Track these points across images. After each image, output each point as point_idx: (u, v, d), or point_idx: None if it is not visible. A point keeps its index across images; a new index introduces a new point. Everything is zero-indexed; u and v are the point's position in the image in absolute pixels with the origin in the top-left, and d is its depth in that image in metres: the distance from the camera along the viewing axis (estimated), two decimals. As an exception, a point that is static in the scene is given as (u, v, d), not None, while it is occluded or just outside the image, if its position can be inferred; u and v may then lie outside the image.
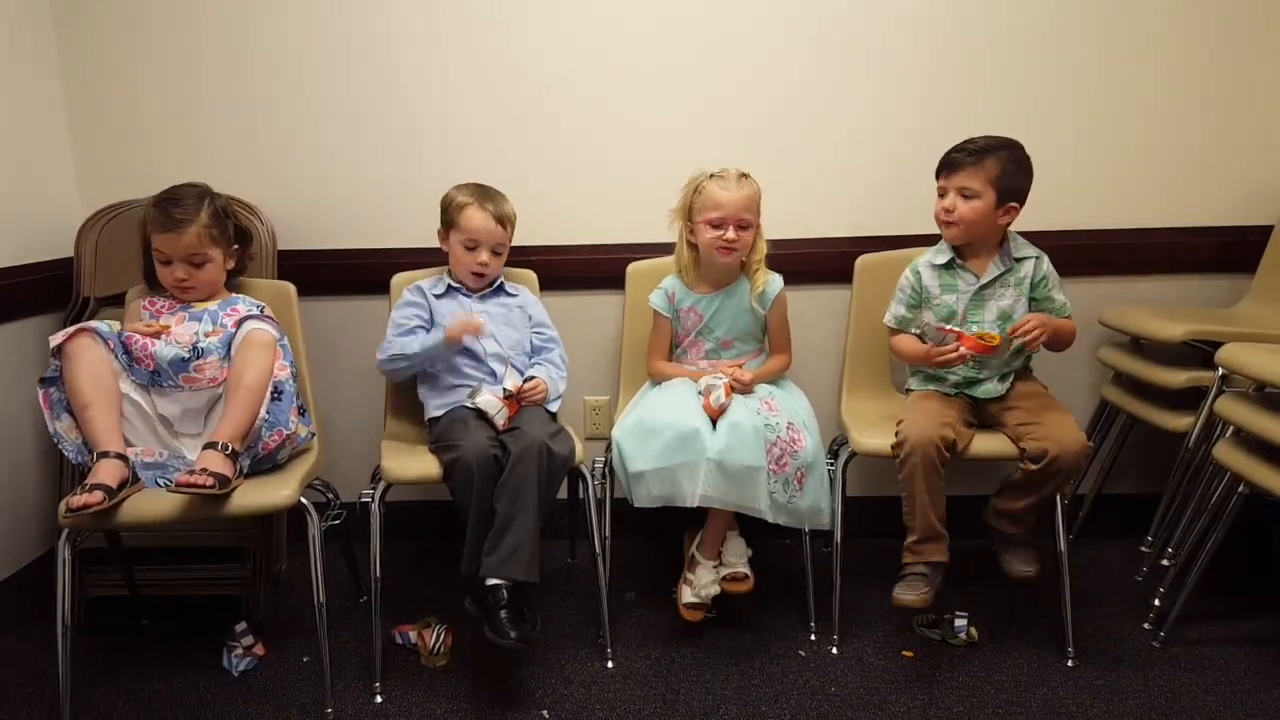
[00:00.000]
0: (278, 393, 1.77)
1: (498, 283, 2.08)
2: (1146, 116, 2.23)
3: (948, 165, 1.90)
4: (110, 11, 2.20)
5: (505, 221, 2.02)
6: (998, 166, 1.85)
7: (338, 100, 2.25)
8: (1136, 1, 2.18)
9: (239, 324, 1.80)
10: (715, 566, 1.96)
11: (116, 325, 1.76)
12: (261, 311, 1.91)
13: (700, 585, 1.93)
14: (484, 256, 2.00)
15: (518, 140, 2.26)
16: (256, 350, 1.75)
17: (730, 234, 1.94)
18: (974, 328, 1.92)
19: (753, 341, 2.09)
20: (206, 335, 1.81)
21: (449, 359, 1.96)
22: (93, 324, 1.72)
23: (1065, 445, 1.75)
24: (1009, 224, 1.91)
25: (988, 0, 2.18)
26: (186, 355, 1.74)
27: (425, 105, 2.25)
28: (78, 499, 1.54)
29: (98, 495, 1.55)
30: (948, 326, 1.88)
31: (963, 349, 1.82)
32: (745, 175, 1.97)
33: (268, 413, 1.74)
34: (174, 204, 1.83)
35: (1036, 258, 1.93)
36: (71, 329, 1.70)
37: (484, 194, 2.01)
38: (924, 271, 1.98)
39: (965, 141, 1.90)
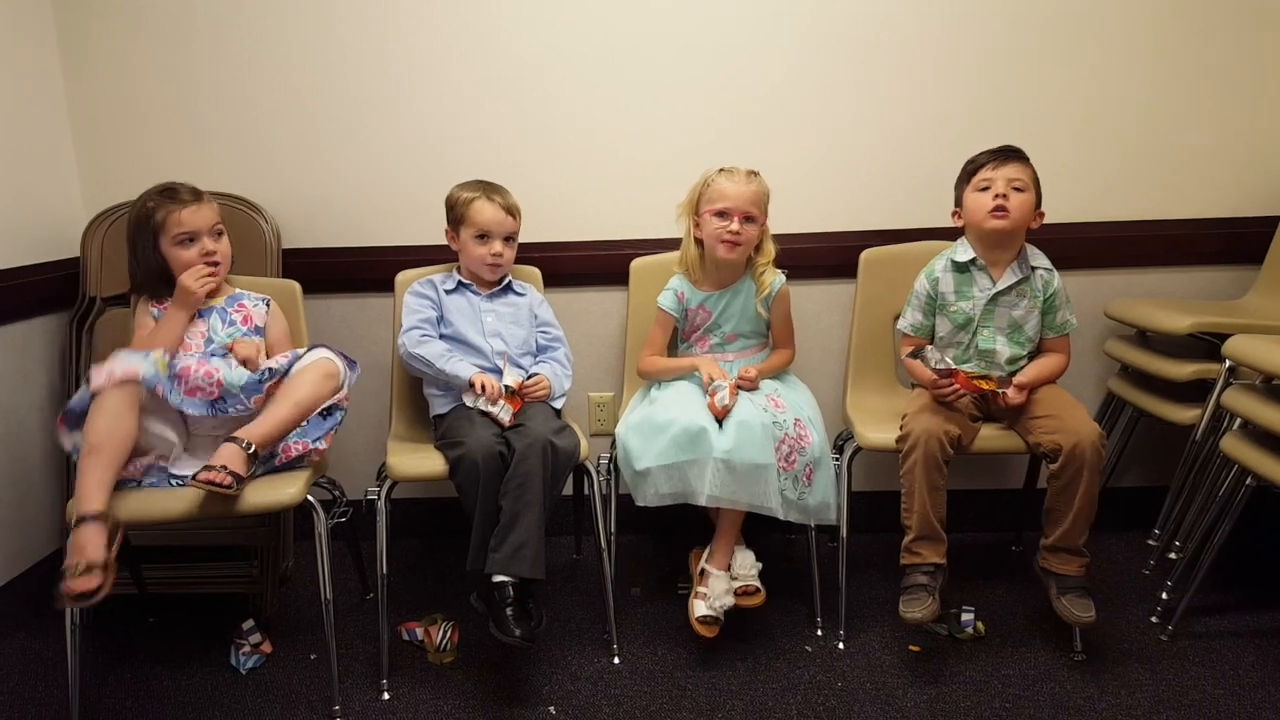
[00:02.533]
0: (328, 410, 1.79)
1: (506, 281, 2.09)
2: (1151, 107, 2.22)
3: (992, 161, 1.88)
4: (112, 13, 2.20)
5: (513, 211, 2.03)
6: (1033, 169, 1.89)
7: (341, 98, 2.25)
8: (1141, -8, 2.17)
9: (310, 349, 1.82)
10: (729, 577, 1.93)
11: (162, 362, 1.69)
12: (267, 304, 1.95)
13: (715, 596, 1.89)
14: (497, 246, 2.00)
15: (521, 137, 2.26)
16: (319, 376, 1.76)
17: (735, 225, 1.92)
18: (984, 332, 1.92)
19: (756, 336, 2.08)
20: (225, 329, 1.84)
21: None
22: (138, 370, 1.63)
23: (1080, 435, 1.73)
24: (1036, 228, 1.91)
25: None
26: (261, 378, 1.73)
27: (429, 103, 2.25)
28: (76, 585, 1.45)
29: (94, 581, 1.46)
30: (954, 366, 1.85)
31: (958, 387, 1.83)
32: (755, 173, 1.97)
33: (308, 422, 1.75)
34: (177, 186, 1.85)
35: (1049, 270, 1.92)
36: (118, 374, 1.62)
37: (488, 187, 2.02)
38: (941, 277, 1.96)
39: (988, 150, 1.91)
